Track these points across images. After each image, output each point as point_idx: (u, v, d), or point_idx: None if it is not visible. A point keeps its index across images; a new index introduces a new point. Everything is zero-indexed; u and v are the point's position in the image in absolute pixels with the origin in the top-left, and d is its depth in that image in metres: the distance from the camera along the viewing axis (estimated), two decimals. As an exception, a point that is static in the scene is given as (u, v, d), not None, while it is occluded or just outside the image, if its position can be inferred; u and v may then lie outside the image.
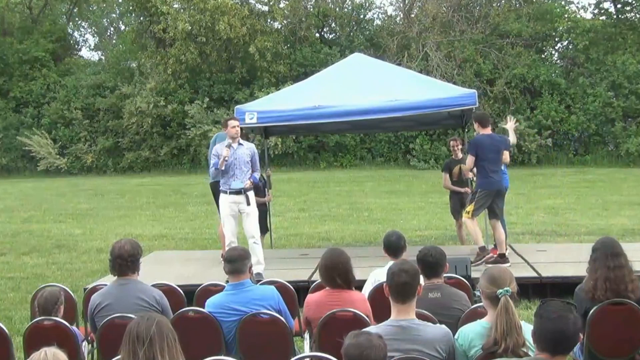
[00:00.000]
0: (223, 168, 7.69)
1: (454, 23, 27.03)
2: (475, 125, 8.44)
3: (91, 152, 27.61)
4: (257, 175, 8.08)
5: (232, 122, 7.91)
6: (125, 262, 4.52)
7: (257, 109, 8.97)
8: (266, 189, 9.59)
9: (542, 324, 3.04)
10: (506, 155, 8.62)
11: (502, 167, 8.67)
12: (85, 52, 50.18)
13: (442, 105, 8.67)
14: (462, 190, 9.64)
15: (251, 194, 7.87)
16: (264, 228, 9.50)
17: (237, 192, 7.74)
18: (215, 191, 8.88)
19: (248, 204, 7.76)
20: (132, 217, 15.55)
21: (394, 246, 5.11)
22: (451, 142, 10.04)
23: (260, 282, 5.44)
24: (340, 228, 13.14)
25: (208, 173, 9.12)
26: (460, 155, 9.76)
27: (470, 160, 8.30)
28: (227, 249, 7.11)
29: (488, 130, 8.38)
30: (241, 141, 7.92)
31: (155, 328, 2.97)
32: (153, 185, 21.94)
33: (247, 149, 7.90)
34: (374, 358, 2.98)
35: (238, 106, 9.31)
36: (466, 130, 10.51)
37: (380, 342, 3.05)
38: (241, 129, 8.13)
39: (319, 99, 8.74)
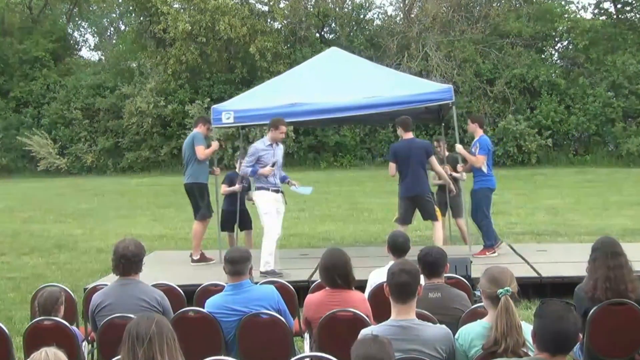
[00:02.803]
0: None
1: (454, 23, 27.04)
2: (398, 130, 8.41)
3: (91, 152, 27.63)
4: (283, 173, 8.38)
5: (283, 127, 8.03)
6: (129, 262, 4.50)
7: (234, 107, 8.93)
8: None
9: (542, 324, 3.03)
10: (478, 159, 8.43)
11: (485, 169, 8.48)
12: (85, 52, 50.19)
13: (418, 101, 8.66)
14: (441, 182, 9.53)
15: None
16: (248, 225, 9.52)
17: (278, 190, 8.00)
18: (191, 192, 8.72)
19: (285, 203, 8.08)
20: (132, 217, 15.55)
21: (399, 247, 5.11)
22: (434, 142, 10.09)
23: (260, 282, 5.43)
24: (340, 228, 13.14)
25: (185, 172, 8.86)
26: (444, 153, 9.75)
27: (390, 167, 8.38)
28: (276, 243, 7.63)
29: (409, 135, 8.32)
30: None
31: (154, 328, 2.96)
32: (153, 185, 21.92)
33: (281, 149, 8.24)
34: None
35: (215, 105, 9.23)
36: (443, 124, 10.47)
37: (390, 349, 3.03)
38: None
39: (295, 96, 8.71)
